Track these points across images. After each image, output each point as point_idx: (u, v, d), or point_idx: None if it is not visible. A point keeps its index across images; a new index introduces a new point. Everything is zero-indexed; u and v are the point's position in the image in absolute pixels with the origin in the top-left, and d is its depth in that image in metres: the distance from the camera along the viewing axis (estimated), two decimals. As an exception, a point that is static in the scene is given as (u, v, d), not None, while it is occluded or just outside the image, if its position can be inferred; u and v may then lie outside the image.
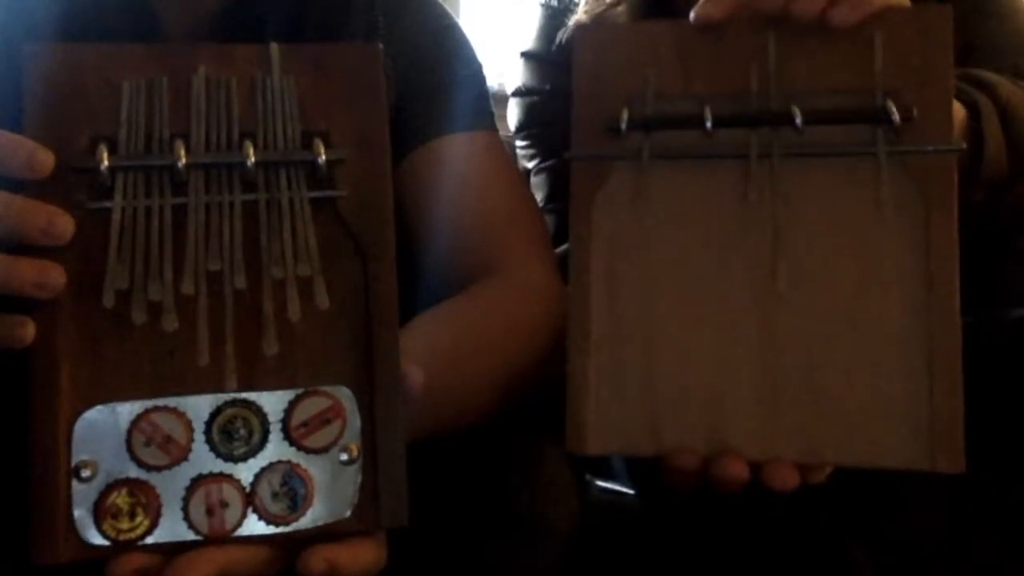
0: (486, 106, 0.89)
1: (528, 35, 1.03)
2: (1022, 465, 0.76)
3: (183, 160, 0.54)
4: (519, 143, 1.02)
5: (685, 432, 0.63)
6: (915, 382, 0.60)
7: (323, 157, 0.55)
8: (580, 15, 0.95)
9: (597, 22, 0.83)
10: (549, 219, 0.95)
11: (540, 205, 0.96)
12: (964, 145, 0.64)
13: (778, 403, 0.62)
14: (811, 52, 0.63)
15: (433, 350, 0.67)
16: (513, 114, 1.03)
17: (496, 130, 0.89)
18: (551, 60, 0.97)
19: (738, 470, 0.62)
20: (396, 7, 0.85)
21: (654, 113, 0.64)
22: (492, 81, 0.91)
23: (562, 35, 0.97)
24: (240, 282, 0.55)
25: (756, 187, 0.62)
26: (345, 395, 0.55)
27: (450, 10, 0.91)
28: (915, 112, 0.61)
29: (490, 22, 1.90)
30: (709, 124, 0.62)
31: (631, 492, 0.93)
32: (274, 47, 0.57)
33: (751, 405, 0.62)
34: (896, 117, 0.60)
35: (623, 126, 0.64)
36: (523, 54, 1.02)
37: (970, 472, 0.76)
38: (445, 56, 0.87)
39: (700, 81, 0.64)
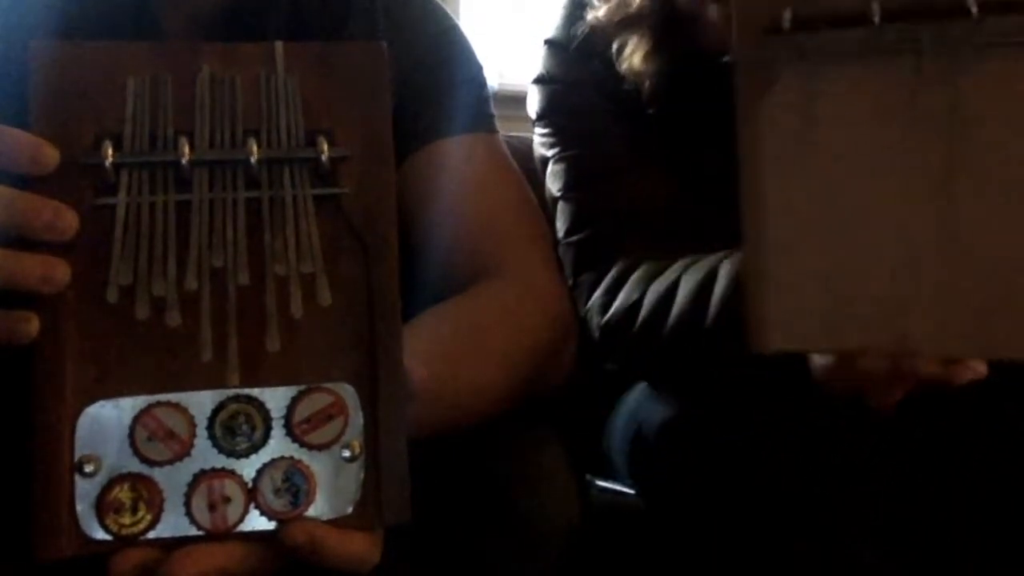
0: (486, 108, 0.89)
1: (552, 23, 1.02)
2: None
3: (187, 157, 0.54)
4: (538, 130, 1.01)
5: (866, 331, 0.62)
6: None
7: (326, 154, 0.56)
8: (599, 14, 0.95)
9: None
10: (567, 208, 0.95)
11: (559, 194, 0.96)
12: None
13: (959, 302, 0.60)
14: None
15: (433, 350, 0.67)
16: (534, 101, 1.02)
17: (496, 132, 0.89)
18: (575, 49, 0.97)
19: (931, 369, 0.62)
20: (397, 9, 0.86)
21: (818, 11, 0.62)
22: (492, 81, 0.91)
23: (577, 30, 0.96)
24: (243, 278, 0.55)
25: (929, 85, 0.60)
26: (348, 392, 0.55)
27: (450, 10, 0.91)
28: None
29: (490, 22, 1.91)
30: (876, 19, 0.60)
31: (631, 492, 0.93)
32: (279, 45, 0.57)
33: (931, 303, 0.61)
34: None
35: (787, 26, 0.62)
36: (547, 41, 1.02)
37: (984, 479, 0.76)
38: (446, 59, 0.87)
39: None
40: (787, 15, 0.62)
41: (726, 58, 0.64)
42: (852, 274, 0.62)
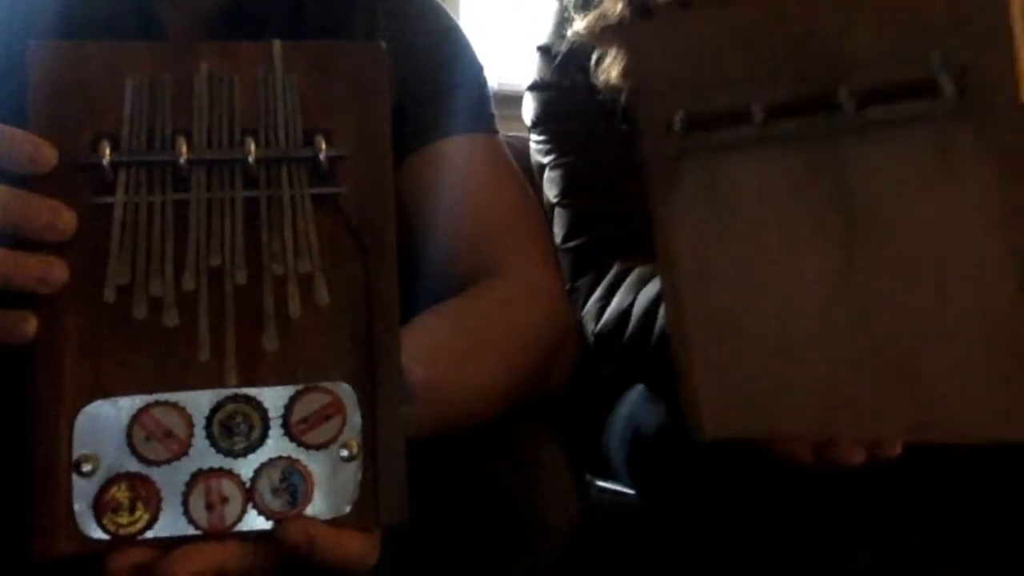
0: (487, 108, 0.89)
1: (544, 28, 1.02)
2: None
3: (185, 156, 0.55)
4: (534, 137, 1.01)
5: (794, 414, 0.63)
6: (1007, 354, 0.58)
7: (324, 154, 0.56)
8: (579, 28, 0.95)
9: (655, 15, 0.81)
10: (564, 214, 0.95)
11: (555, 200, 0.96)
12: None
13: (877, 382, 0.61)
14: (865, 23, 0.60)
15: (433, 349, 0.67)
16: (529, 108, 1.02)
17: (497, 132, 0.89)
18: (566, 55, 0.97)
19: (855, 456, 0.63)
20: (398, 9, 0.86)
21: (708, 111, 0.64)
22: (492, 82, 0.91)
23: (560, 46, 0.96)
24: (241, 278, 0.55)
25: (818, 172, 0.61)
26: (345, 391, 0.55)
27: (450, 10, 0.91)
28: (972, 81, 0.57)
29: (490, 22, 1.91)
30: (757, 119, 0.61)
31: (631, 492, 0.93)
32: (277, 44, 0.57)
33: (852, 385, 0.62)
34: (949, 90, 0.57)
35: (677, 128, 0.63)
36: (539, 48, 1.02)
37: (974, 475, 0.76)
38: (446, 59, 0.87)
39: (752, 69, 0.63)
40: (678, 117, 0.64)
41: (638, 160, 0.66)
42: (774, 361, 0.63)
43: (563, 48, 0.95)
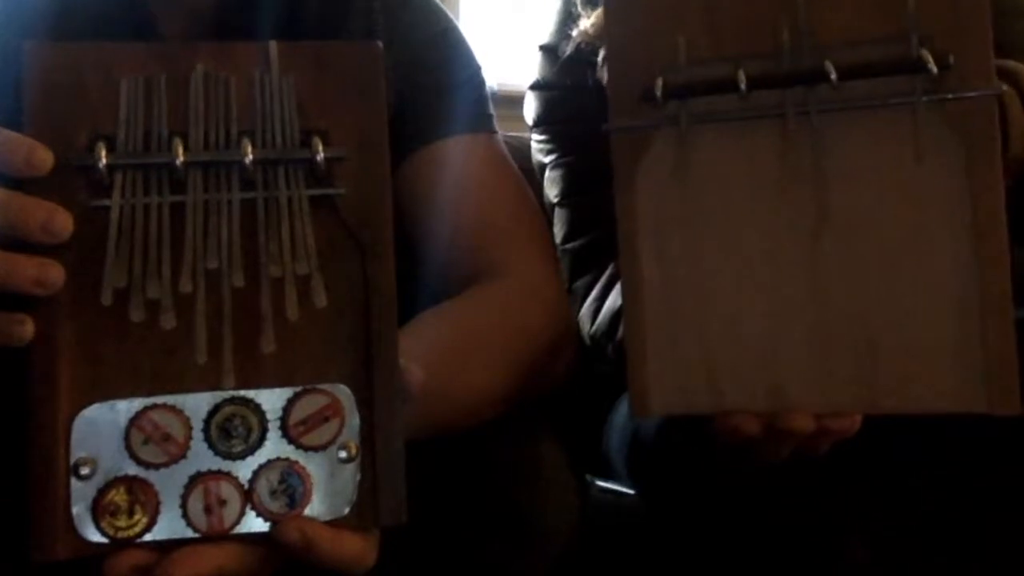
0: (485, 108, 0.89)
1: (546, 28, 1.02)
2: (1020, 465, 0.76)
3: (181, 158, 0.54)
4: (536, 137, 1.01)
5: (744, 388, 0.64)
6: (967, 326, 0.60)
7: (321, 155, 0.55)
8: (587, 28, 0.95)
9: None
10: (564, 214, 0.95)
11: (556, 200, 0.96)
12: (1004, 87, 0.63)
13: (832, 355, 0.62)
14: (841, 3, 0.63)
15: (432, 350, 0.67)
16: (531, 107, 1.02)
17: (495, 132, 0.89)
18: (569, 55, 0.97)
19: (804, 423, 0.62)
20: (395, 10, 0.86)
21: (688, 80, 0.64)
22: (491, 82, 0.91)
23: (570, 35, 0.96)
24: (238, 280, 0.55)
25: (794, 145, 0.62)
26: (344, 393, 0.55)
27: (450, 11, 0.91)
28: (951, 59, 0.60)
29: (490, 22, 1.91)
30: (743, 87, 0.62)
31: (631, 492, 0.93)
32: (273, 45, 0.57)
33: (806, 358, 0.63)
34: (932, 67, 0.60)
35: (659, 95, 0.63)
36: (541, 47, 1.02)
37: (971, 471, 0.76)
38: (444, 59, 0.87)
39: (731, 43, 0.64)
40: (659, 84, 0.64)
41: (603, 128, 0.65)
42: (728, 333, 0.64)
43: (570, 47, 0.95)
